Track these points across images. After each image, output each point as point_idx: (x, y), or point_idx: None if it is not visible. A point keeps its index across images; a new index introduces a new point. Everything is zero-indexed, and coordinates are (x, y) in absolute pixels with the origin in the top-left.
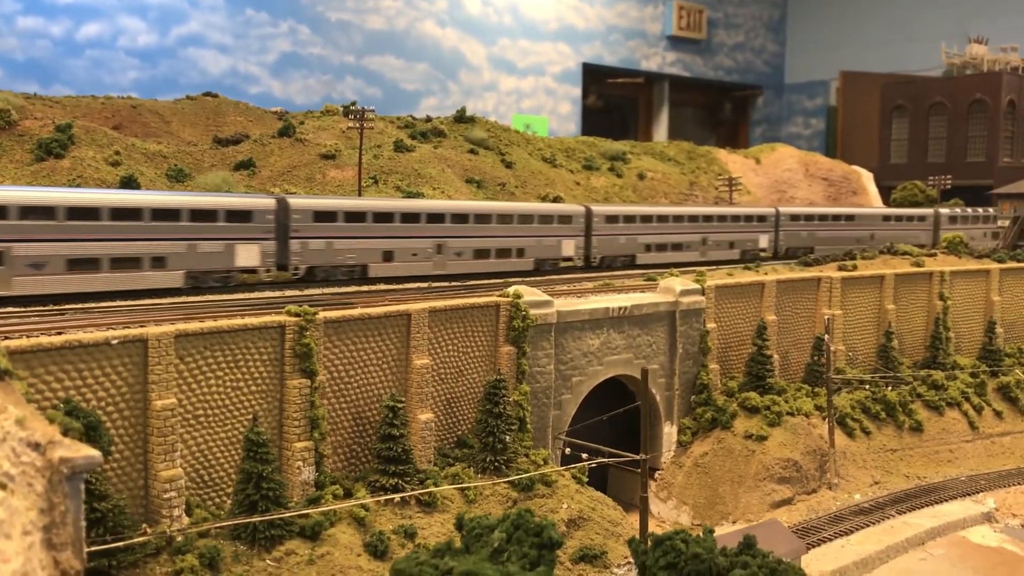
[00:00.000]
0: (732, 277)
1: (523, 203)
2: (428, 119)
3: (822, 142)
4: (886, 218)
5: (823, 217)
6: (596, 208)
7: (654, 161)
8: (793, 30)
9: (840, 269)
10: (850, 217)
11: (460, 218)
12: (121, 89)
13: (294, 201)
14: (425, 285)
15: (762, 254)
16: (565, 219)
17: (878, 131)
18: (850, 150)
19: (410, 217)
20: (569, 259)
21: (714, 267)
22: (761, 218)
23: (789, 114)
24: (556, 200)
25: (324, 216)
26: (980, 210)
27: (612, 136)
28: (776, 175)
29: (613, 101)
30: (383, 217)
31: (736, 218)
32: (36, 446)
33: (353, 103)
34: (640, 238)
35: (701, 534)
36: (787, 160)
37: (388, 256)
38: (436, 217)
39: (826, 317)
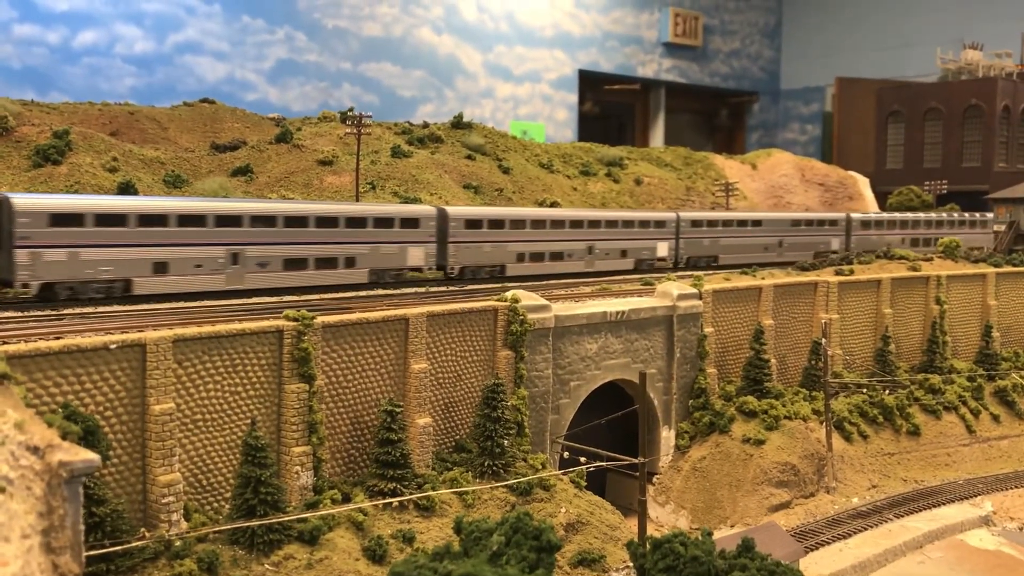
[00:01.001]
0: (729, 282)
1: (353, 204)
2: (425, 125)
3: (818, 148)
4: (795, 223)
5: (727, 223)
6: (453, 210)
7: (651, 167)
8: (789, 37)
9: (837, 274)
10: (757, 223)
11: (264, 221)
12: (118, 96)
13: (20, 201)
14: (423, 290)
15: (660, 264)
16: (410, 223)
17: (874, 136)
18: (846, 156)
19: (191, 220)
20: (417, 269)
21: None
22: (659, 223)
23: (785, 120)
24: (553, 205)
25: (65, 219)
26: (898, 215)
27: (609, 143)
28: (772, 180)
29: (610, 108)
30: (151, 220)
31: (629, 223)
32: (35, 450)
33: (350, 109)
34: (510, 246)
35: (699, 537)
36: (783, 166)
37: (161, 268)
38: (229, 220)
39: (823, 321)
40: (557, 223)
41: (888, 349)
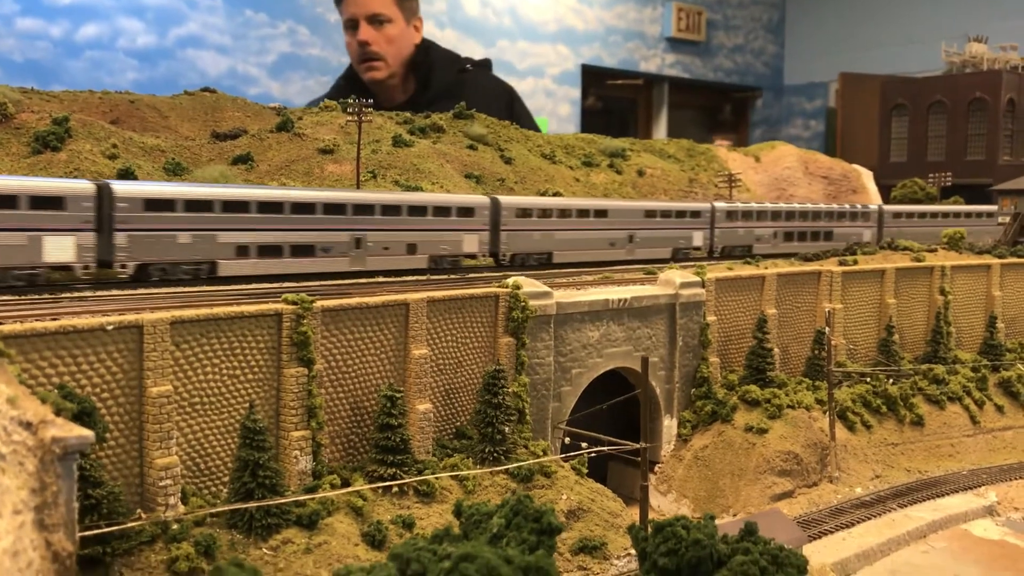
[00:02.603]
0: (732, 270)
1: None
2: (427, 115)
3: (821, 144)
4: (650, 214)
5: (565, 212)
6: (121, 187)
7: (654, 158)
8: (792, 32)
9: (840, 264)
10: (602, 213)
11: None
12: (120, 90)
13: None
14: (424, 277)
15: (469, 261)
16: (48, 203)
17: (878, 129)
18: (849, 151)
19: None
20: (64, 268)
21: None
22: (466, 211)
23: (788, 116)
24: (556, 195)
25: None
26: (770, 205)
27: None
28: (776, 173)
29: (612, 103)
30: None
31: (419, 210)
32: (28, 425)
33: (352, 97)
34: (224, 236)
35: (702, 521)
36: (787, 158)
37: None
38: None
39: (827, 311)
40: (302, 207)
41: (892, 339)
